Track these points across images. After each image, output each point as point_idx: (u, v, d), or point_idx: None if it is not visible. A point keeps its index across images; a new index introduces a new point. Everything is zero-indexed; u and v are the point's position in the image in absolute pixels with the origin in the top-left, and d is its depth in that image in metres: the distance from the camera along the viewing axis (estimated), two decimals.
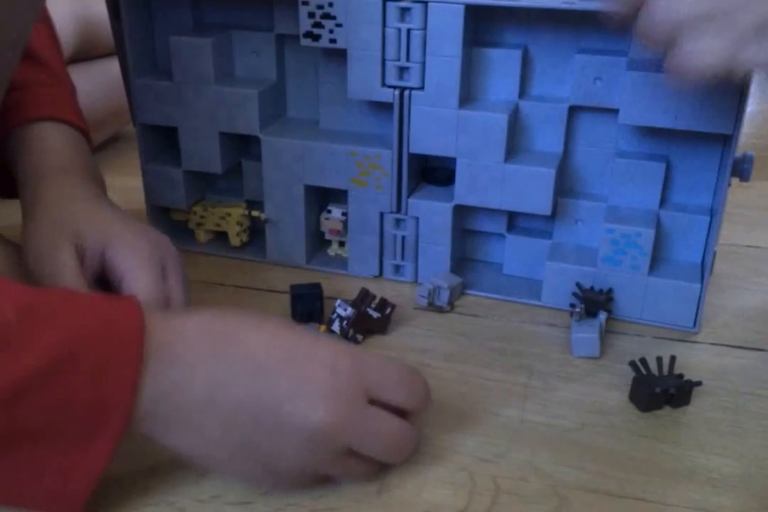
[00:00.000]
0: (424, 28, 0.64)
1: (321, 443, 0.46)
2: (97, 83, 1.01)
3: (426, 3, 0.63)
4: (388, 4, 0.63)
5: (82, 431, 0.42)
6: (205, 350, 0.45)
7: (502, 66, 0.66)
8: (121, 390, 0.42)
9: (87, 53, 1.01)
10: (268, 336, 0.47)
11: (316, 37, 0.66)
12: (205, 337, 0.46)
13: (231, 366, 0.45)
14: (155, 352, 0.43)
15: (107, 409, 0.42)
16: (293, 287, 0.67)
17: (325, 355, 0.47)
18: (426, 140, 0.67)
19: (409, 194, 0.71)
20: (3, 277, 0.44)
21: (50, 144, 0.64)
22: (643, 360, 0.59)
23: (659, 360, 0.59)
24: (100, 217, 0.59)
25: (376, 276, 0.75)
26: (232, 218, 0.76)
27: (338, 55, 0.69)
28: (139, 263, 0.56)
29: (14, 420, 0.41)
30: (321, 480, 0.49)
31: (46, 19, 0.71)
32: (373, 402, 0.48)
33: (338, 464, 0.47)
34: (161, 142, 0.77)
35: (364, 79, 0.67)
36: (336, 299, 0.65)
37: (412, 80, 0.66)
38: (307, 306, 0.66)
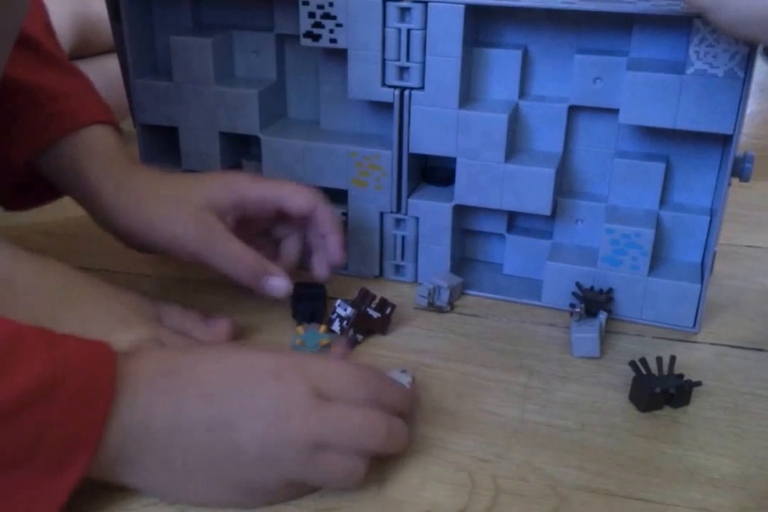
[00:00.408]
0: (424, 28, 0.64)
1: (281, 446, 0.46)
2: (95, 80, 1.01)
3: (426, 3, 0.63)
4: (388, 4, 0.63)
5: (49, 465, 0.43)
6: (161, 386, 0.47)
7: (502, 66, 0.66)
8: (92, 423, 0.44)
9: (84, 51, 1.01)
10: (214, 365, 0.49)
11: (316, 37, 0.66)
12: (160, 374, 0.47)
13: (184, 398, 0.47)
14: (122, 389, 0.45)
15: (76, 442, 0.43)
16: (297, 286, 0.66)
17: (266, 367, 0.49)
18: (426, 140, 0.68)
19: (409, 194, 0.71)
20: None
21: (110, 144, 0.66)
22: (643, 360, 0.59)
23: (659, 360, 0.59)
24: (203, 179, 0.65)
25: (376, 277, 0.75)
26: None
27: (338, 55, 0.69)
28: (291, 186, 0.65)
29: None
30: (309, 491, 0.49)
31: (41, 8, 0.71)
32: (330, 399, 0.48)
33: (312, 465, 0.47)
34: (161, 142, 0.77)
35: (365, 79, 0.67)
36: (336, 299, 0.65)
37: (412, 80, 0.66)
38: (310, 307, 0.66)
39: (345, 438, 0.47)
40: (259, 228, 0.68)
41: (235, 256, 0.62)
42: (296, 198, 0.64)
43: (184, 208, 0.62)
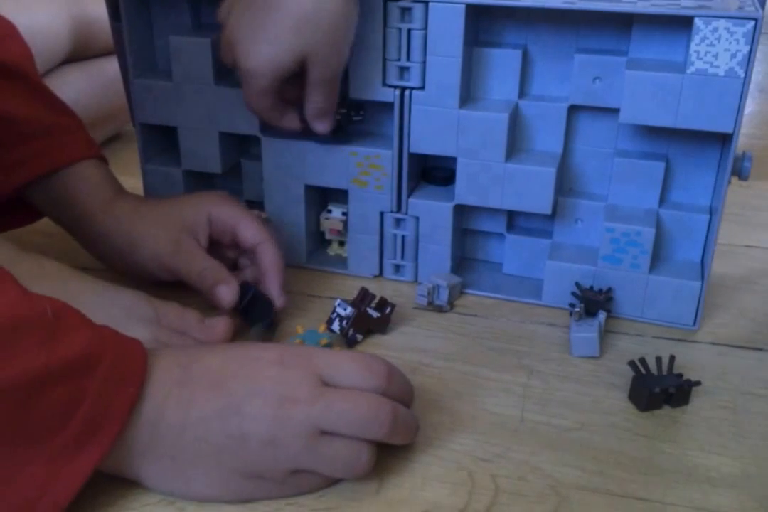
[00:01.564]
0: (425, 28, 0.64)
1: (285, 431, 0.46)
2: (94, 83, 1.01)
3: (427, 3, 0.63)
4: (389, 4, 0.63)
5: (72, 442, 0.43)
6: (176, 378, 0.48)
7: (502, 66, 0.66)
8: (121, 405, 0.45)
9: (82, 53, 1.01)
10: (222, 356, 0.51)
11: None
12: (173, 366, 0.49)
13: (194, 388, 0.48)
14: (147, 378, 0.47)
15: (103, 422, 0.44)
16: (241, 285, 0.65)
17: (271, 355, 0.50)
18: (426, 140, 0.68)
19: (410, 194, 0.71)
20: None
21: (99, 176, 0.70)
22: (643, 360, 0.59)
23: (658, 359, 0.59)
24: (185, 206, 0.69)
25: (376, 276, 0.75)
26: None
27: None
28: (246, 216, 0.68)
29: (21, 412, 0.42)
30: (314, 486, 0.49)
31: (16, 34, 0.72)
32: (334, 386, 0.49)
33: (316, 451, 0.47)
34: (161, 142, 0.77)
35: (365, 79, 0.67)
36: (336, 299, 0.65)
37: (413, 80, 0.66)
38: (259, 316, 0.65)
39: (349, 424, 0.48)
40: (229, 256, 0.70)
41: (200, 265, 0.65)
42: (246, 229, 0.67)
43: (162, 228, 0.66)
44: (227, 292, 0.64)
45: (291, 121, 0.66)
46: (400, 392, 0.51)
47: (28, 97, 0.68)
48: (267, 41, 0.59)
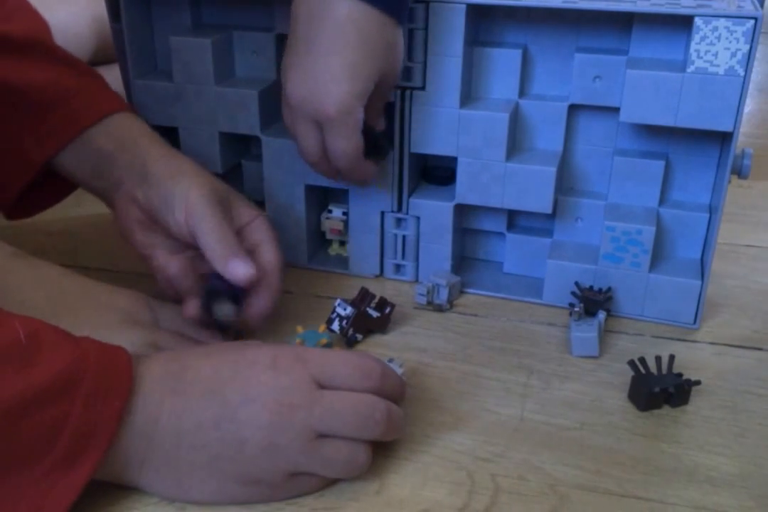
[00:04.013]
0: (426, 28, 0.64)
1: (285, 435, 0.47)
2: (116, 85, 1.00)
3: (427, 3, 0.63)
4: None
5: (61, 460, 0.43)
6: (169, 387, 0.48)
7: (502, 65, 0.66)
8: (107, 420, 0.45)
9: (107, 56, 1.00)
10: (214, 362, 0.50)
11: None
12: (165, 375, 0.48)
13: (188, 396, 0.48)
14: (135, 389, 0.47)
15: (91, 438, 0.44)
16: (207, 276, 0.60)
17: (264, 359, 0.50)
18: (427, 140, 0.68)
19: (410, 193, 0.71)
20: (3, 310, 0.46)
21: (140, 123, 0.67)
22: (642, 360, 0.59)
23: (658, 359, 0.59)
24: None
25: (377, 276, 0.75)
26: None
27: None
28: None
29: (6, 438, 0.42)
30: (311, 488, 0.49)
31: (27, 6, 0.71)
32: (329, 388, 0.49)
33: (315, 453, 0.47)
34: None
35: None
36: (336, 298, 0.65)
37: (414, 80, 0.66)
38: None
39: (346, 426, 0.48)
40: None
41: (218, 234, 0.60)
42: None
43: (210, 176, 0.64)
44: (243, 267, 0.58)
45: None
46: (392, 391, 0.52)
47: (49, 64, 0.67)
48: (350, 77, 0.57)
